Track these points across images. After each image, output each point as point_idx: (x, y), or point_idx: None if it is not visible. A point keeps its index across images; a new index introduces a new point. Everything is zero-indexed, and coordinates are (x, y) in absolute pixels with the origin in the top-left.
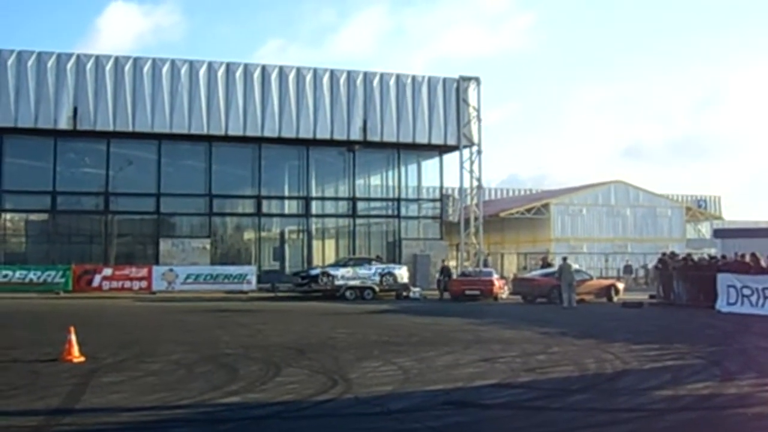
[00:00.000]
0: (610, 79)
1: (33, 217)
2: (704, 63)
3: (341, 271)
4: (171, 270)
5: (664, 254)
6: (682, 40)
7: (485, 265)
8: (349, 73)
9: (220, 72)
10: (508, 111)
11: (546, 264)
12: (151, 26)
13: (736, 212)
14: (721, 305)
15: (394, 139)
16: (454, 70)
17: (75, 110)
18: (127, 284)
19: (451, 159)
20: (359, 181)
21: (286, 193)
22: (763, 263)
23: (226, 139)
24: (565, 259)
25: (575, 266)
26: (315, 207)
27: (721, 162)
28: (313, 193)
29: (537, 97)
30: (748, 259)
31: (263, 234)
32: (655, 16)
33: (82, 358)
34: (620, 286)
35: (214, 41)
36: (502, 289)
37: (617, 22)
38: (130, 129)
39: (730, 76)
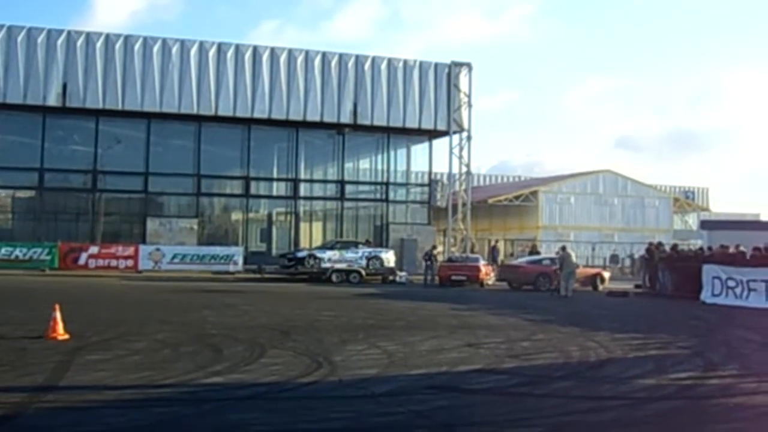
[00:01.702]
0: (605, 70)
1: (20, 193)
2: (700, 58)
3: (328, 254)
4: (158, 249)
5: (651, 244)
6: (679, 35)
7: (494, 252)
8: (340, 56)
9: (212, 52)
10: (504, 98)
11: (534, 251)
12: (147, 4)
13: (723, 204)
14: (705, 296)
15: (384, 123)
16: (451, 57)
17: (64, 87)
18: (114, 263)
19: (440, 144)
20: (348, 165)
21: (275, 175)
22: (747, 256)
23: (216, 119)
24: (564, 248)
25: (573, 254)
26: (303, 189)
27: (711, 155)
28: (302, 176)
29: (532, 85)
30: (732, 251)
31: (251, 215)
32: (654, 10)
33: (67, 336)
34: (606, 275)
35: (210, 21)
36: (488, 276)
37: (616, 14)
38: (120, 107)
39: (725, 72)
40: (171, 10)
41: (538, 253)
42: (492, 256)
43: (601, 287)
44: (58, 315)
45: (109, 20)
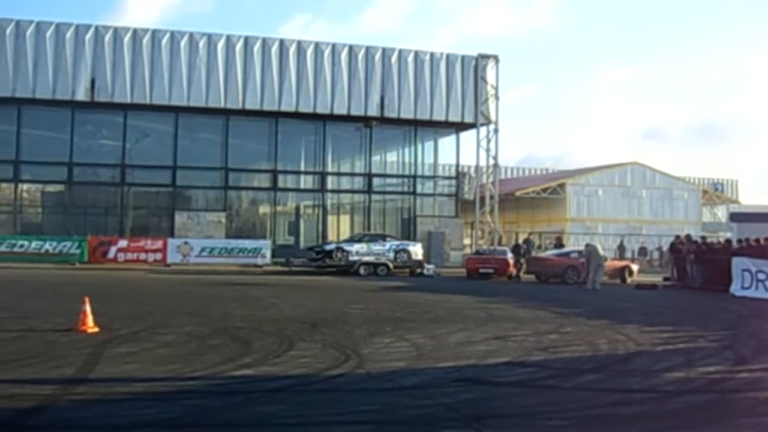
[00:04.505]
0: (633, 61)
1: (50, 188)
2: (727, 47)
3: (356, 247)
4: (186, 243)
5: (677, 237)
6: (706, 24)
7: (528, 244)
8: (367, 48)
9: (239, 46)
10: (531, 90)
11: (559, 244)
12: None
13: (753, 196)
14: (735, 289)
15: (411, 116)
16: (479, 49)
17: (93, 82)
18: (142, 256)
19: (468, 137)
20: (375, 157)
21: (302, 168)
22: None
23: (243, 112)
24: (588, 244)
25: (599, 248)
26: (331, 182)
27: (740, 146)
28: (329, 169)
29: (560, 77)
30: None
31: (278, 208)
32: None
33: (97, 329)
34: (634, 267)
35: (241, 16)
36: (514, 268)
37: (642, 4)
38: (148, 101)
39: (753, 61)
40: (202, 5)
41: (563, 245)
42: (526, 249)
43: (629, 280)
44: (88, 308)
45: (140, 16)
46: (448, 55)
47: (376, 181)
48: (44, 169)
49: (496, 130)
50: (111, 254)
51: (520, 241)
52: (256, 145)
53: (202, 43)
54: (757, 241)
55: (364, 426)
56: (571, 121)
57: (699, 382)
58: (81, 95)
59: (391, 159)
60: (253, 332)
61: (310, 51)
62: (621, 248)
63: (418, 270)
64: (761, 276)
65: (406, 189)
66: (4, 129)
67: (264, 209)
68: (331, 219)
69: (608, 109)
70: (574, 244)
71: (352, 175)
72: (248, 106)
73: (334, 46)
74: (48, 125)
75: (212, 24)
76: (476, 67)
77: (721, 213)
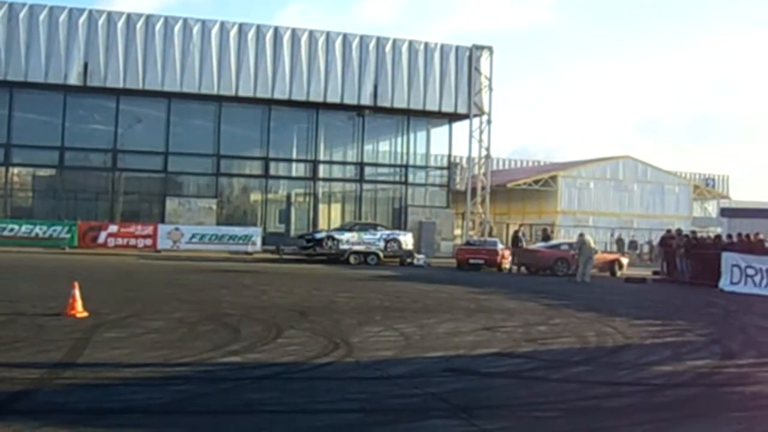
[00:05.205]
0: (627, 55)
1: (41, 172)
2: (722, 44)
3: (346, 236)
4: (176, 229)
5: (668, 231)
6: (701, 20)
7: (517, 236)
8: (361, 37)
9: (233, 32)
10: (525, 82)
11: (545, 237)
12: None
13: (744, 192)
14: (724, 284)
15: (404, 106)
16: (474, 41)
17: (85, 66)
18: (132, 242)
19: (460, 127)
20: (368, 147)
21: (294, 156)
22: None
23: (236, 99)
24: (582, 234)
25: (591, 240)
26: (322, 170)
27: (733, 142)
28: (321, 157)
29: (554, 70)
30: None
31: (270, 196)
32: None
33: (86, 314)
34: (624, 261)
35: (238, 3)
36: (506, 260)
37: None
38: (140, 87)
39: (747, 58)
40: None
41: (549, 237)
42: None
43: (618, 273)
44: (77, 292)
45: (136, 2)
46: (442, 46)
47: (367, 170)
48: (35, 153)
49: (488, 122)
50: (101, 239)
51: (517, 233)
52: (248, 132)
53: (196, 29)
54: (747, 236)
55: (352, 414)
56: (565, 113)
57: (687, 376)
58: (73, 79)
59: (383, 148)
60: (242, 319)
61: (304, 39)
62: (619, 242)
63: (408, 260)
64: (750, 271)
65: (397, 178)
66: None
67: (255, 196)
68: (322, 207)
69: (602, 103)
70: (564, 237)
71: (344, 163)
72: (241, 93)
73: (328, 34)
74: (40, 109)
75: (207, 12)
76: (470, 57)
77: (712, 208)
